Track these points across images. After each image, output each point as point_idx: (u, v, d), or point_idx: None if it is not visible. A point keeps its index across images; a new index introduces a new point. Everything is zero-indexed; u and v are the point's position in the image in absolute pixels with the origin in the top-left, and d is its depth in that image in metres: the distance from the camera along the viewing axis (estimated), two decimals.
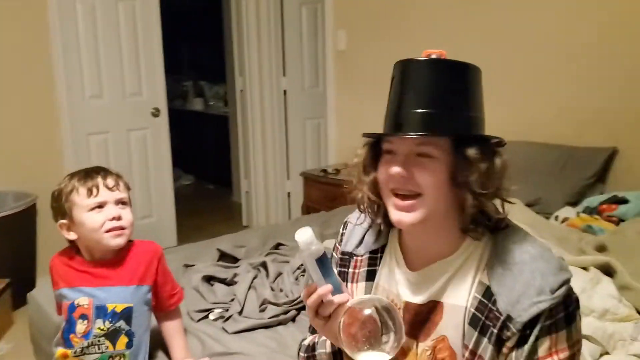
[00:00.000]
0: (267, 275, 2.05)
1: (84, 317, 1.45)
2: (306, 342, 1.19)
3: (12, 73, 3.31)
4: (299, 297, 1.90)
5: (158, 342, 1.64)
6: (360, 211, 1.13)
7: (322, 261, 0.97)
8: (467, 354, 0.98)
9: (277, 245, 2.41)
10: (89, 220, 1.45)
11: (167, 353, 1.64)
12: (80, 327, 1.45)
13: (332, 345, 1.07)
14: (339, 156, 4.08)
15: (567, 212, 2.42)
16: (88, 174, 1.49)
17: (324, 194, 3.60)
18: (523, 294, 0.93)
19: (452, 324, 1.01)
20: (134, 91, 3.81)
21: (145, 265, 1.54)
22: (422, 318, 1.05)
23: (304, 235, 0.97)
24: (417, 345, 1.06)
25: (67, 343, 1.46)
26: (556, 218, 2.40)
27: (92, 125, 3.64)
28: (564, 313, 0.94)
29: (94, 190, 1.45)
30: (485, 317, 0.96)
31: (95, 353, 1.45)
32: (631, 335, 1.59)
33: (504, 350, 0.95)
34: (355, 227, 1.16)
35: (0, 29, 3.26)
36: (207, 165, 6.46)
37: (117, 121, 3.75)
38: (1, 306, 2.89)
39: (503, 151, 1.01)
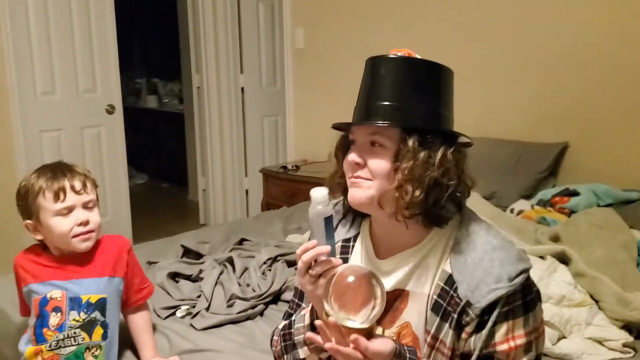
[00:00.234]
0: (234, 270, 2.04)
1: (57, 309, 1.43)
2: (281, 326, 1.22)
3: None
4: (267, 291, 1.91)
5: (125, 340, 1.61)
6: (339, 198, 1.19)
7: (328, 222, 1.02)
8: (429, 338, 1.03)
9: (241, 241, 2.40)
10: (56, 225, 1.43)
11: (134, 351, 1.62)
12: (54, 319, 1.43)
13: (311, 316, 1.09)
14: (298, 153, 4.10)
15: (522, 204, 2.51)
16: (55, 174, 1.45)
17: (284, 191, 3.61)
18: (482, 281, 0.97)
19: (415, 311, 1.06)
20: (88, 87, 3.71)
21: (115, 257, 1.53)
22: (388, 306, 1.08)
23: (320, 192, 1.02)
24: (382, 332, 1.10)
25: (39, 338, 1.42)
26: (512, 211, 2.49)
27: (44, 122, 3.53)
28: (521, 301, 0.99)
29: (61, 195, 1.42)
30: (446, 303, 1.01)
31: (72, 345, 1.42)
32: (586, 320, 1.67)
33: (463, 335, 1.00)
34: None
35: None
36: (162, 164, 6.36)
37: (70, 118, 3.65)
38: None
39: (468, 150, 1.07)
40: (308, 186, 3.69)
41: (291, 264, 2.11)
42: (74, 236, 1.44)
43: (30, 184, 1.44)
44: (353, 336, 0.93)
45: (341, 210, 1.20)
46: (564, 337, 1.63)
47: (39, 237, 1.49)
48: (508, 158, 2.72)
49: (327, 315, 0.96)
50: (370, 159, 1.03)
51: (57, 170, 1.47)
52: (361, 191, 1.04)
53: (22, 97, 3.38)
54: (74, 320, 1.43)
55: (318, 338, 1.00)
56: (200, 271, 2.07)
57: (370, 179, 1.03)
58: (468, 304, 0.98)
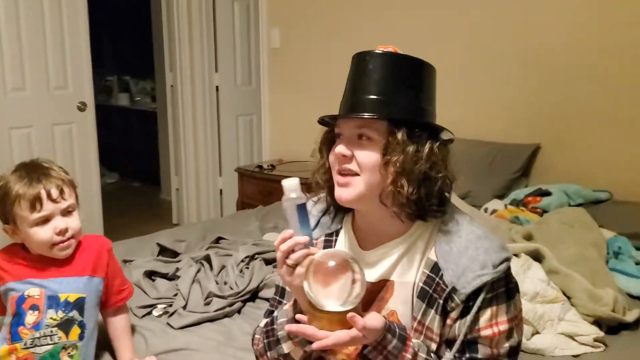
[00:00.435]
0: (211, 268, 2.03)
1: (34, 307, 1.40)
2: (262, 324, 1.21)
3: None
4: (245, 289, 1.90)
5: (103, 342, 1.58)
6: (314, 195, 1.20)
7: (302, 211, 1.03)
8: (415, 324, 1.05)
9: (218, 240, 2.39)
10: (34, 234, 1.39)
11: (111, 352, 1.59)
12: (30, 317, 1.39)
13: (294, 310, 1.08)
14: (274, 152, 4.10)
15: (496, 204, 2.56)
16: (30, 179, 1.39)
17: (259, 190, 3.60)
18: (467, 267, 1.00)
19: (401, 299, 1.08)
20: (59, 84, 3.63)
21: (95, 257, 1.50)
22: (374, 296, 1.10)
23: (291, 182, 1.04)
24: None
25: (14, 337, 1.39)
26: (486, 210, 2.53)
27: (14, 119, 3.44)
28: (504, 288, 1.03)
29: (37, 205, 1.37)
30: (432, 290, 1.04)
31: (48, 344, 1.39)
32: (558, 316, 1.72)
33: (448, 321, 1.03)
34: (312, 210, 1.20)
35: None
36: (133, 163, 6.27)
37: (41, 115, 3.56)
38: None
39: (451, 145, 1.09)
40: None
41: (269, 262, 2.10)
42: (53, 244, 1.40)
43: (8, 188, 1.39)
44: (350, 314, 0.93)
45: (323, 206, 1.20)
46: (537, 332, 1.67)
47: (18, 240, 1.45)
48: (483, 158, 2.77)
49: (311, 305, 0.97)
50: (357, 152, 1.04)
51: (33, 174, 1.40)
52: (349, 190, 1.05)
53: None
54: (51, 318, 1.40)
55: (301, 328, 0.99)
56: (177, 269, 2.05)
57: (357, 172, 1.04)
58: (454, 290, 1.01)
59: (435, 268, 1.04)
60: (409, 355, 0.99)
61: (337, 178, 1.07)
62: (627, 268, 1.99)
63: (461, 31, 3.02)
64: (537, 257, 1.90)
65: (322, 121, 1.14)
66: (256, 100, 4.33)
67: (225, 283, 1.96)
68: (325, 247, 1.18)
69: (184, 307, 1.83)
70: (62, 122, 3.69)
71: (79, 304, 1.44)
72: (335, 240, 1.18)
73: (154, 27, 5.16)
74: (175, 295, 1.91)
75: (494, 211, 2.49)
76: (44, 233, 1.39)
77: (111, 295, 1.56)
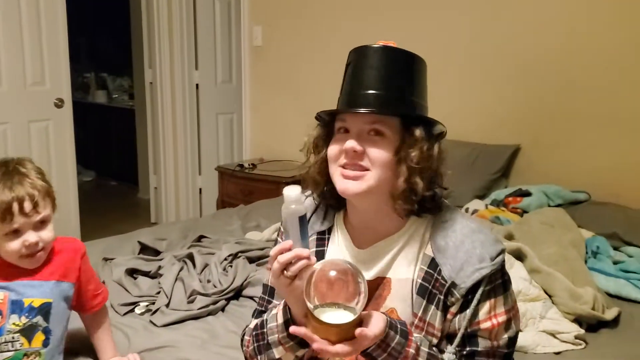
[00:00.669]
0: (194, 266, 2.01)
1: None
2: (252, 325, 1.18)
3: None
4: (228, 287, 1.89)
5: (77, 349, 1.55)
6: (307, 191, 1.18)
7: (302, 221, 1.00)
8: (416, 321, 1.05)
9: (200, 238, 2.37)
10: (2, 244, 1.31)
11: (93, 354, 1.55)
12: None
13: (284, 315, 1.06)
14: (254, 151, 4.08)
15: (477, 204, 2.58)
16: (3, 186, 1.29)
17: (240, 189, 3.59)
18: (466, 261, 1.01)
19: (400, 296, 1.08)
20: (36, 80, 3.56)
21: (67, 262, 1.43)
22: (370, 294, 1.09)
23: (294, 191, 0.99)
24: None
25: None
26: (467, 210, 2.55)
27: None
28: (501, 280, 1.04)
29: (7, 217, 1.27)
30: (432, 286, 1.04)
31: (9, 351, 1.32)
32: (540, 314, 1.74)
33: (448, 316, 1.03)
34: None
35: None
36: (110, 161, 6.19)
37: (17, 111, 3.49)
38: None
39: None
40: (265, 184, 3.68)
41: (252, 260, 2.10)
42: (22, 256, 1.33)
43: None
44: (358, 330, 0.91)
45: (313, 203, 1.19)
46: (520, 330, 1.69)
47: None
48: (465, 159, 2.79)
49: (312, 315, 0.93)
50: (370, 148, 1.02)
51: (8, 180, 1.30)
52: (358, 184, 1.02)
53: None
54: (14, 324, 1.32)
55: (303, 330, 0.96)
56: (159, 267, 2.03)
57: (367, 168, 1.03)
58: (453, 284, 1.01)
59: (433, 264, 1.04)
60: (412, 350, 0.99)
61: (341, 171, 1.04)
62: (605, 267, 2.04)
63: (442, 33, 3.04)
64: (519, 256, 1.93)
65: (319, 117, 1.13)
66: (237, 99, 4.31)
67: (209, 281, 1.95)
68: (317, 246, 1.16)
69: (167, 305, 1.81)
70: (39, 118, 3.62)
71: (44, 310, 1.36)
72: (328, 238, 1.17)
73: (132, 23, 5.11)
74: (158, 293, 1.89)
75: (475, 211, 2.51)
76: (12, 245, 1.31)
77: (86, 300, 1.49)
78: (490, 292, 1.02)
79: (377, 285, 1.10)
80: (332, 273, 0.96)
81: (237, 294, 1.92)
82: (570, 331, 1.67)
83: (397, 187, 1.03)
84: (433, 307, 1.04)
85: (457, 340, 1.02)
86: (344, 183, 1.04)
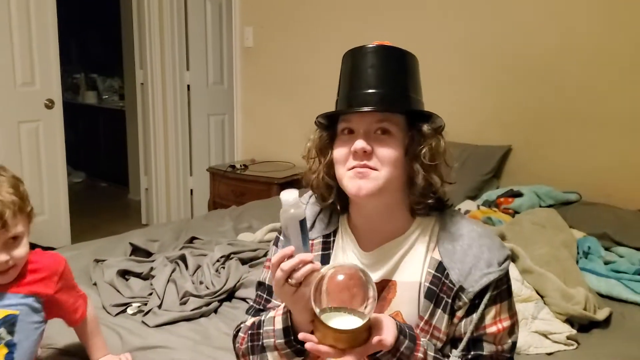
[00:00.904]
0: (187, 268, 2.00)
1: None
2: (249, 323, 1.15)
3: None
4: (221, 288, 1.88)
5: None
6: (315, 195, 1.16)
7: (303, 225, 0.98)
8: (422, 324, 1.05)
9: (192, 239, 2.36)
10: None
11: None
12: None
13: (284, 321, 1.04)
14: (246, 152, 4.07)
15: (468, 205, 2.59)
16: None
17: (232, 190, 3.58)
18: (474, 266, 1.01)
19: (406, 299, 1.07)
20: (26, 80, 3.54)
21: (42, 277, 1.36)
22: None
23: (291, 195, 0.97)
24: None
25: None
26: (458, 210, 2.56)
27: None
28: (506, 285, 1.04)
29: None
30: (439, 290, 1.04)
31: None
32: (532, 314, 1.75)
33: (455, 320, 1.03)
34: (307, 213, 1.17)
35: None
36: (100, 162, 6.15)
37: (6, 112, 3.46)
38: None
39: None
40: (257, 185, 3.67)
41: (245, 261, 2.09)
42: None
43: None
44: (377, 339, 0.91)
45: (314, 207, 1.17)
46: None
47: None
48: (456, 159, 2.79)
49: (320, 321, 0.91)
50: (378, 147, 1.02)
51: None
52: (371, 183, 1.01)
53: None
54: None
55: (313, 338, 0.94)
56: (152, 269, 2.02)
57: (376, 168, 1.02)
58: (461, 288, 1.01)
59: (441, 267, 1.04)
60: (420, 355, 0.98)
61: (350, 173, 1.03)
62: (597, 268, 2.05)
63: (433, 34, 3.05)
64: (511, 257, 1.93)
65: (318, 121, 1.11)
66: (228, 100, 4.30)
67: (201, 283, 1.94)
68: (323, 249, 1.15)
69: (159, 306, 1.80)
70: (29, 119, 3.59)
71: (9, 322, 1.29)
72: (333, 240, 1.15)
73: (123, 24, 5.08)
74: (150, 294, 1.88)
75: (466, 212, 2.52)
76: None
77: (66, 315, 1.45)
78: (496, 297, 1.02)
79: (382, 288, 1.09)
80: (341, 277, 0.93)
81: (230, 295, 1.91)
82: (562, 332, 1.68)
83: (415, 184, 1.03)
84: (440, 310, 1.03)
85: (462, 344, 1.03)
86: (356, 184, 1.02)
